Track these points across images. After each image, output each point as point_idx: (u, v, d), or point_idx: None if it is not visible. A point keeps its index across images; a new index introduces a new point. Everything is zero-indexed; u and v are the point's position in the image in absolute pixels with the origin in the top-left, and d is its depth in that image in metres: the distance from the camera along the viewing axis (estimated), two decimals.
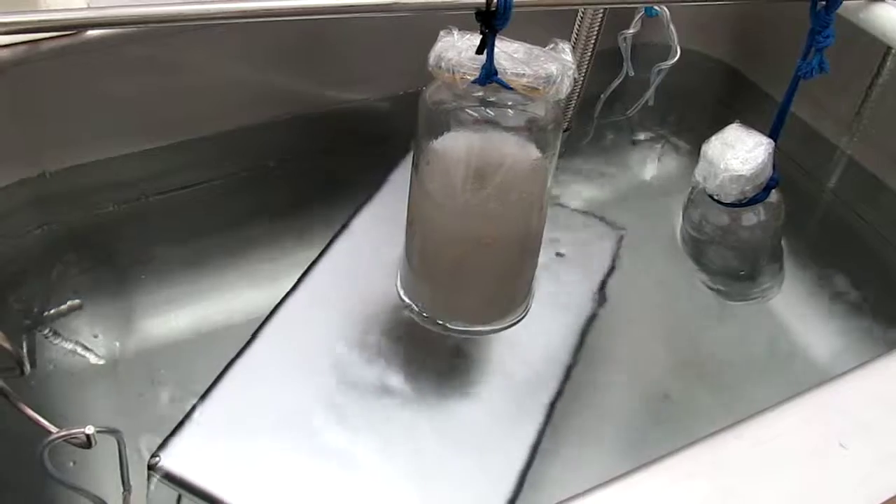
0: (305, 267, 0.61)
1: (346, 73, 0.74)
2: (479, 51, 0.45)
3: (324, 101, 0.75)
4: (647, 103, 0.76)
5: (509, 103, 0.48)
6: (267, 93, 0.71)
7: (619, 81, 0.76)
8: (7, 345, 0.32)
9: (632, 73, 0.75)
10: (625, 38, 0.72)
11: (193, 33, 0.64)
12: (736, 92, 0.85)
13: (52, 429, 0.36)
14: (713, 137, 0.60)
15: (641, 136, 0.83)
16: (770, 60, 0.82)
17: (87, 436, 0.35)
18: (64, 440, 0.35)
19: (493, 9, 0.44)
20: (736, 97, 0.85)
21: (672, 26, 0.68)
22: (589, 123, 0.81)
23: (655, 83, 0.73)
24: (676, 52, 0.69)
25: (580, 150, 0.80)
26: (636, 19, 0.71)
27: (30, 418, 0.35)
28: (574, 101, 0.74)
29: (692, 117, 0.85)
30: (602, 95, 0.78)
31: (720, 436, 0.39)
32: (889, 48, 0.64)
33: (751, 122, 0.63)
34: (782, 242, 0.70)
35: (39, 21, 0.44)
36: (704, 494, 0.37)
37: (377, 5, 0.45)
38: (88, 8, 0.59)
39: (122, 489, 0.47)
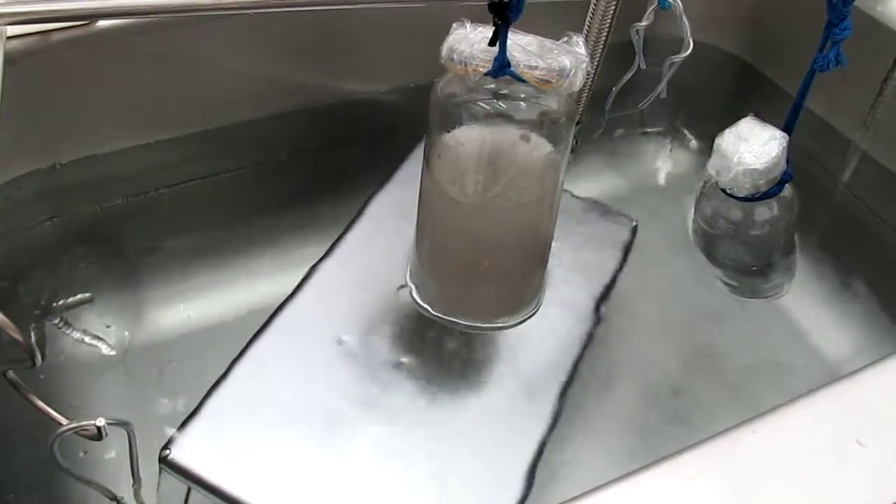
0: (315, 260, 0.61)
1: (356, 65, 0.74)
2: (492, 42, 0.45)
3: (334, 94, 0.75)
4: (660, 96, 0.75)
5: (522, 96, 0.48)
6: (278, 85, 0.72)
7: (631, 74, 0.75)
8: (18, 336, 0.31)
9: (644, 67, 0.74)
10: (637, 31, 0.71)
11: (204, 25, 0.64)
12: (748, 85, 0.84)
13: (63, 421, 0.36)
14: (727, 131, 0.60)
15: (653, 130, 0.82)
16: (783, 54, 0.81)
17: (98, 428, 0.35)
18: (75, 432, 0.35)
19: (506, 0, 0.44)
20: (748, 91, 0.84)
21: (685, 19, 0.68)
22: (600, 116, 0.80)
23: (668, 76, 0.72)
24: (689, 45, 0.68)
25: (592, 143, 0.80)
26: (649, 11, 0.70)
27: (41, 410, 0.35)
28: (586, 94, 0.74)
29: (704, 111, 0.85)
30: (614, 88, 0.77)
31: (735, 432, 0.39)
32: None
33: (763, 116, 0.63)
34: (795, 237, 0.70)
35: (51, 11, 0.44)
36: (719, 491, 0.37)
37: None
38: None
39: (132, 481, 0.47)
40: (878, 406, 0.39)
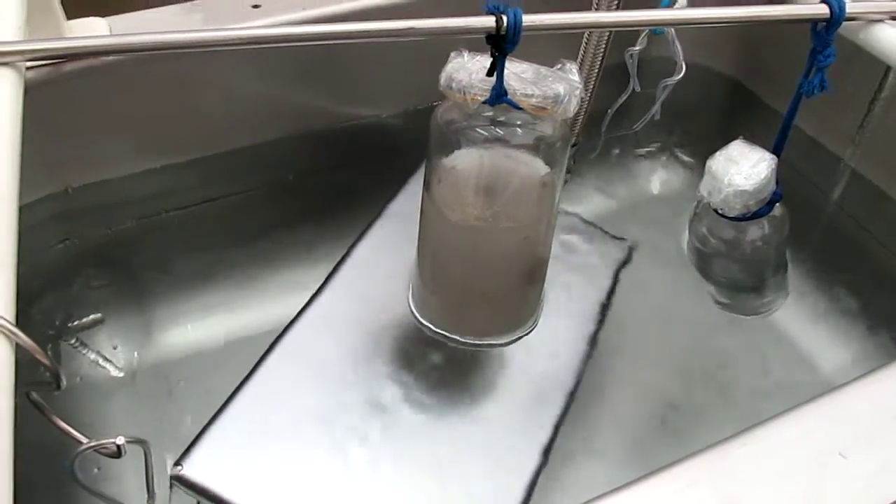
0: (321, 280, 0.63)
1: (359, 90, 0.75)
2: (490, 73, 0.47)
3: (337, 118, 0.76)
4: (654, 118, 0.76)
5: (518, 122, 0.49)
6: (282, 110, 0.73)
7: (625, 97, 0.77)
8: (45, 360, 0.33)
9: (638, 89, 0.75)
10: (631, 55, 0.73)
11: (212, 53, 0.66)
12: (741, 106, 0.85)
13: (83, 439, 0.37)
14: (717, 153, 0.61)
15: (648, 150, 0.83)
16: (774, 74, 0.82)
17: (118, 446, 0.37)
18: (94, 450, 0.37)
19: (503, 33, 0.45)
20: (741, 111, 0.86)
21: (677, 43, 0.69)
22: (596, 138, 0.82)
23: (661, 99, 0.74)
24: (682, 68, 0.70)
25: (588, 164, 0.81)
26: (642, 36, 0.72)
27: (62, 430, 0.37)
28: (581, 117, 0.75)
29: (698, 131, 0.86)
30: (609, 110, 0.78)
31: (723, 445, 0.40)
32: (889, 66, 0.65)
33: (755, 136, 0.64)
34: (787, 255, 0.71)
35: (66, 48, 0.46)
36: (708, 502, 0.38)
37: (391, 30, 0.47)
38: (112, 35, 0.61)
39: (145, 497, 0.48)
40: (860, 420, 0.41)
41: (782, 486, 0.38)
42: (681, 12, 0.54)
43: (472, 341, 0.57)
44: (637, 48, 0.72)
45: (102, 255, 0.70)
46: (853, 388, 0.43)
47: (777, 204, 0.62)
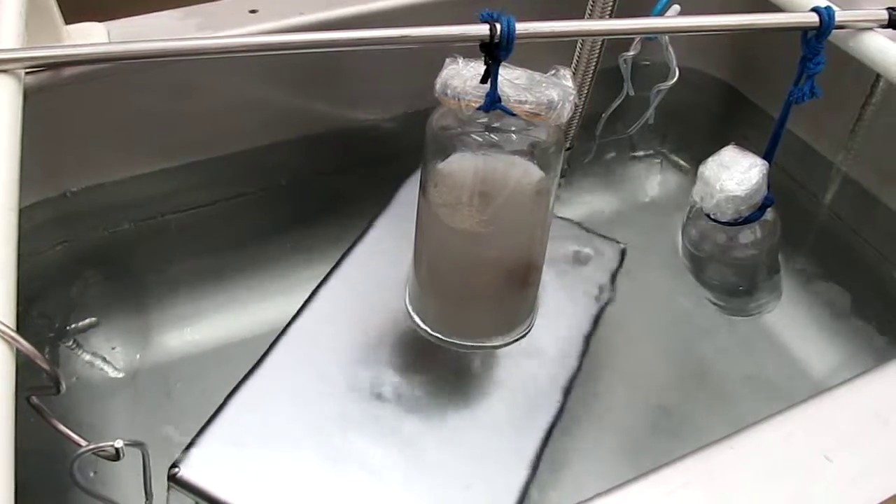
0: (318, 282, 0.63)
1: (355, 94, 0.76)
2: (484, 80, 0.47)
3: (334, 122, 0.76)
4: (648, 122, 0.77)
5: (512, 128, 0.50)
6: (279, 114, 0.73)
7: (619, 101, 0.77)
8: (45, 365, 0.33)
9: (632, 93, 0.76)
10: (625, 60, 0.73)
11: (209, 58, 0.66)
12: (734, 110, 0.86)
13: (82, 442, 0.37)
14: (709, 159, 0.61)
15: (642, 154, 0.84)
16: (768, 78, 0.83)
17: (116, 449, 0.37)
18: (93, 453, 0.37)
19: (497, 41, 0.46)
20: (734, 115, 0.86)
21: (671, 48, 0.69)
22: (591, 141, 0.82)
23: (655, 103, 0.74)
24: (675, 73, 0.70)
25: (582, 168, 0.81)
26: (636, 41, 0.72)
27: (61, 433, 0.37)
28: (576, 121, 0.76)
29: (691, 135, 0.86)
30: (603, 114, 0.79)
31: (713, 448, 0.41)
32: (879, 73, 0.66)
33: (749, 139, 0.64)
34: (779, 258, 0.71)
35: (64, 56, 0.47)
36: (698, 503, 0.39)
37: (386, 38, 0.47)
38: (110, 43, 0.61)
39: (143, 498, 0.49)
40: (844, 424, 0.42)
41: (769, 488, 0.39)
42: (672, 21, 0.55)
43: (467, 343, 0.58)
44: (631, 53, 0.73)
45: (100, 257, 0.70)
46: (838, 392, 0.44)
47: (769, 209, 0.63)
